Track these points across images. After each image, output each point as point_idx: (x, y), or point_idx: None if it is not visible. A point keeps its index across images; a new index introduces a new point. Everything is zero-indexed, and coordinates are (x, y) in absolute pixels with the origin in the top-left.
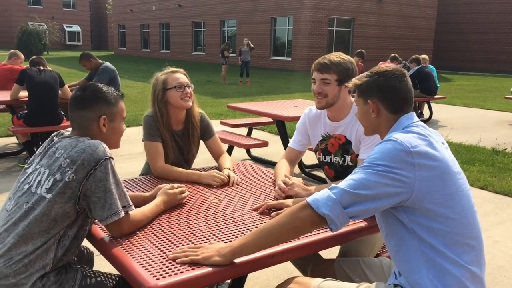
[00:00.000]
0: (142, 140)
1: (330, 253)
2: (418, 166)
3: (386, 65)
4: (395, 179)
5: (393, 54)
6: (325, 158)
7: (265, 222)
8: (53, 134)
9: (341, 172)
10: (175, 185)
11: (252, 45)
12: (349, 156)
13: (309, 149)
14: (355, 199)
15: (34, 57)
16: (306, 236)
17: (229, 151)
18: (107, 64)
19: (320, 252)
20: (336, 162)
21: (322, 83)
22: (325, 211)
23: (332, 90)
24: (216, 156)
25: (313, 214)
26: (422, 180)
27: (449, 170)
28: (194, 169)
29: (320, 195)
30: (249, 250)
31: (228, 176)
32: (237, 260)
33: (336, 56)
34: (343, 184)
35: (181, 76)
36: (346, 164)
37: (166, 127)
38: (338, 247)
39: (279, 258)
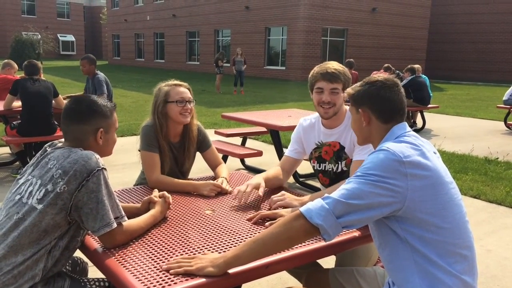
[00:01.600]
0: (139, 150)
1: (326, 264)
2: (411, 176)
3: (378, 75)
4: (388, 189)
5: (386, 64)
6: (319, 166)
7: (259, 232)
8: (46, 145)
9: (335, 180)
10: (166, 193)
11: (245, 64)
12: (343, 162)
13: (304, 159)
14: (348, 209)
15: (26, 62)
16: (301, 246)
17: (223, 160)
18: (102, 75)
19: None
20: (330, 169)
21: (331, 92)
22: (318, 221)
23: (339, 99)
24: (213, 167)
25: (306, 224)
26: (415, 190)
27: (441, 180)
28: (189, 179)
29: (314, 205)
30: (243, 261)
31: (221, 183)
32: (231, 271)
33: (337, 65)
34: (336, 194)
35: (184, 91)
36: (340, 170)
37: (165, 138)
38: (334, 259)
39: (273, 268)
